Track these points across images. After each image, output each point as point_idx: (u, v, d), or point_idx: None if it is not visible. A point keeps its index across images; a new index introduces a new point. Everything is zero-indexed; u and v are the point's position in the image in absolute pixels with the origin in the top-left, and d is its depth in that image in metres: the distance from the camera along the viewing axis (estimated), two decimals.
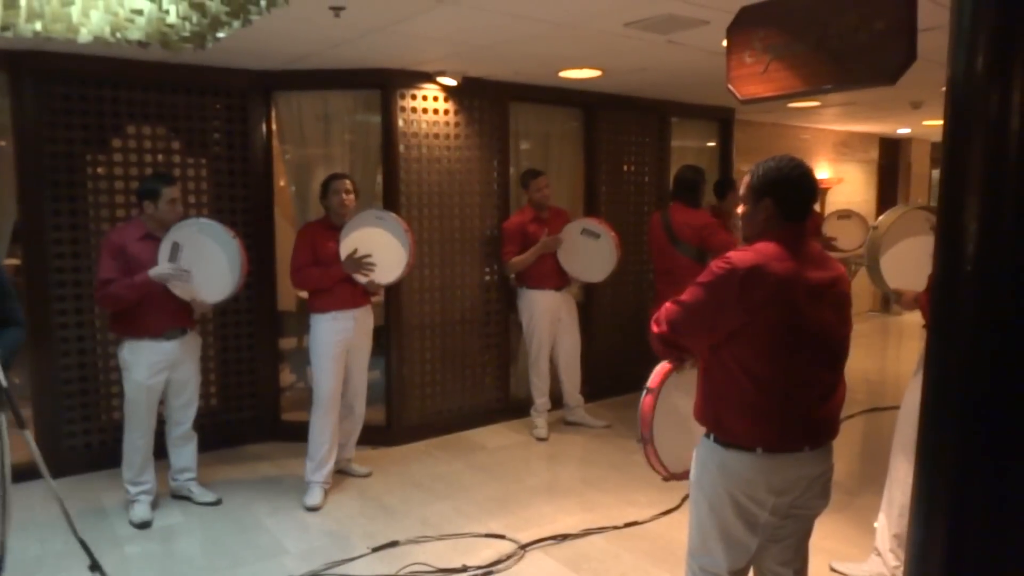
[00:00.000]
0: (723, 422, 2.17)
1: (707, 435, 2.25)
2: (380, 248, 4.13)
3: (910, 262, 3.38)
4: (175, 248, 3.77)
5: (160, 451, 4.10)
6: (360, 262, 4.09)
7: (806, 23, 2.80)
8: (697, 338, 2.19)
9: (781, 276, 2.06)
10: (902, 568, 3.02)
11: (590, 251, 5.16)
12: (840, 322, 2.19)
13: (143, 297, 3.75)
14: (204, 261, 3.81)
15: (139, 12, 2.34)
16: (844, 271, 2.31)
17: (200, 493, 4.17)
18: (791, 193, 2.16)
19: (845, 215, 6.89)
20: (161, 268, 3.72)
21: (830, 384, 2.19)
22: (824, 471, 2.22)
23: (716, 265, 2.12)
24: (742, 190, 2.25)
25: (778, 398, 2.10)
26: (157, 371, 3.88)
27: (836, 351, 2.20)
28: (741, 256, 2.10)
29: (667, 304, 2.23)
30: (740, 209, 2.27)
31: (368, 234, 4.14)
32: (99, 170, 4.53)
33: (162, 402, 4.04)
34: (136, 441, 3.93)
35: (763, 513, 2.16)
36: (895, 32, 2.56)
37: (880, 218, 3.65)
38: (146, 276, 3.70)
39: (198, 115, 4.82)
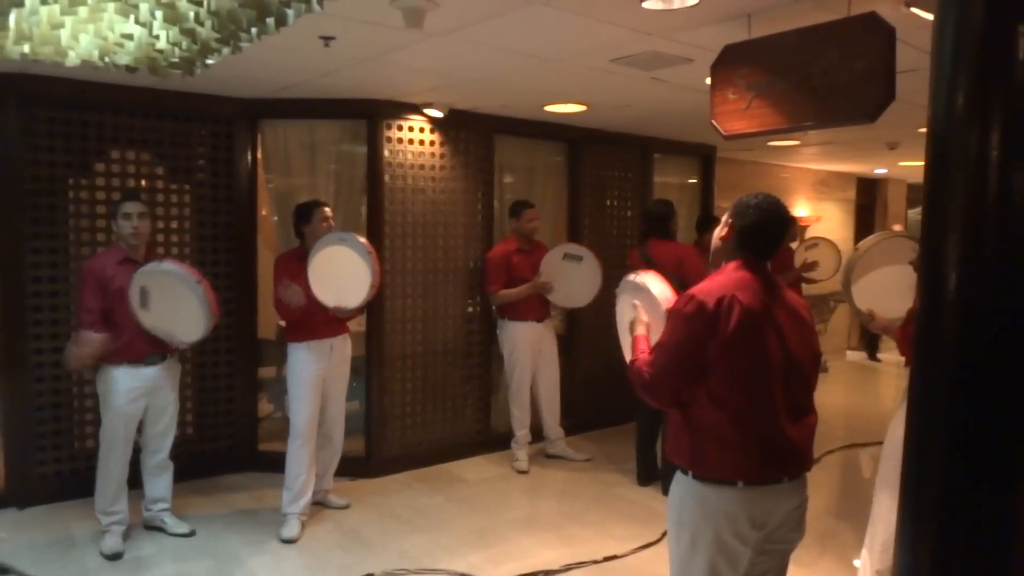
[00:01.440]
0: (701, 458, 2.15)
1: (684, 472, 2.21)
2: (345, 271, 3.97)
3: (885, 287, 3.43)
4: (143, 293, 3.67)
5: (134, 480, 4.01)
6: (295, 290, 3.98)
7: (788, 62, 2.87)
8: (687, 376, 2.12)
9: (746, 305, 2.09)
10: None
11: (573, 276, 5.17)
12: (807, 349, 2.22)
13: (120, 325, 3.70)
14: (175, 303, 3.68)
15: (129, 37, 2.34)
16: (804, 300, 2.36)
17: (173, 524, 4.08)
18: (753, 224, 2.21)
19: (812, 244, 6.96)
20: (87, 335, 3.65)
21: (803, 412, 2.20)
22: (800, 503, 2.22)
23: (682, 303, 2.13)
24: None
25: (755, 429, 2.10)
26: (136, 397, 3.82)
27: (807, 378, 2.22)
28: (705, 290, 2.13)
29: (645, 354, 2.21)
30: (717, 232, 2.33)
31: (333, 255, 3.98)
32: (82, 194, 4.50)
33: (138, 430, 3.96)
34: (111, 469, 3.84)
35: (746, 549, 2.14)
36: (874, 73, 2.63)
37: (863, 241, 3.71)
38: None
39: (183, 141, 4.82)
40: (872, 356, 9.92)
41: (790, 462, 2.16)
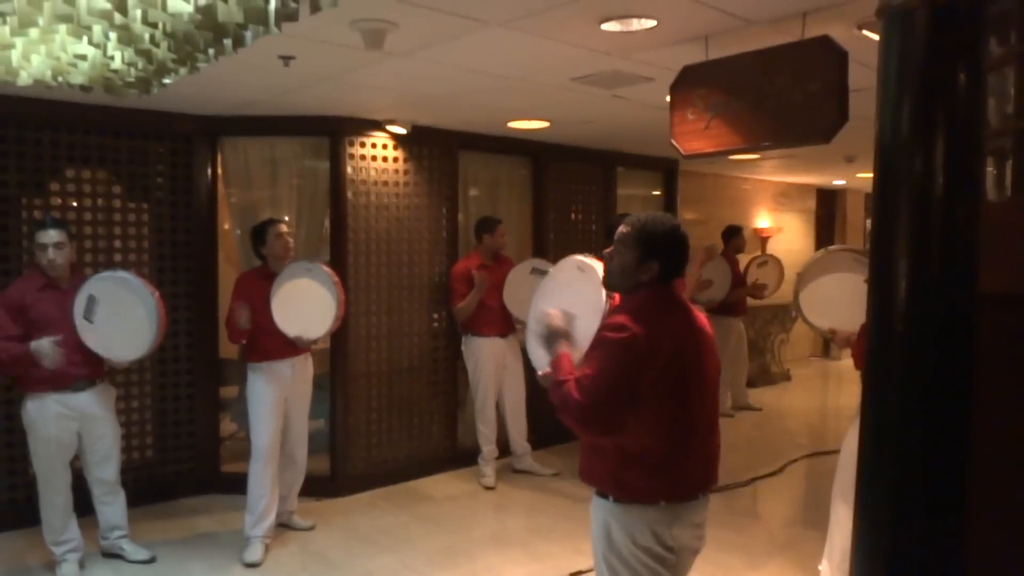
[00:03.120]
0: (623, 481, 2.15)
1: (604, 496, 2.20)
2: (310, 303, 3.97)
3: (836, 300, 3.51)
4: (91, 301, 3.53)
5: (87, 507, 3.90)
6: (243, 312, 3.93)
7: (745, 83, 2.92)
8: (621, 405, 2.06)
9: (674, 333, 2.12)
10: None
11: None
12: (715, 368, 2.27)
13: (24, 364, 3.51)
14: (120, 317, 3.56)
15: (82, 57, 2.31)
16: (705, 317, 2.34)
17: (133, 551, 3.97)
18: (676, 255, 2.22)
19: (763, 261, 7.38)
20: (40, 345, 3.44)
21: (712, 430, 2.25)
22: (706, 516, 2.28)
23: (614, 334, 2.08)
24: (620, 238, 2.22)
25: (677, 450, 2.13)
26: (64, 423, 3.65)
27: (714, 395, 2.28)
28: (634, 318, 2.09)
29: (576, 379, 2.11)
30: (610, 251, 2.25)
31: (299, 286, 4.00)
32: (35, 214, 4.39)
33: (78, 457, 3.82)
34: (53, 500, 3.70)
35: (672, 557, 2.16)
36: (828, 94, 2.69)
37: (803, 264, 3.81)
38: (27, 348, 3.45)
39: (141, 159, 4.74)
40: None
41: (705, 478, 2.22)
